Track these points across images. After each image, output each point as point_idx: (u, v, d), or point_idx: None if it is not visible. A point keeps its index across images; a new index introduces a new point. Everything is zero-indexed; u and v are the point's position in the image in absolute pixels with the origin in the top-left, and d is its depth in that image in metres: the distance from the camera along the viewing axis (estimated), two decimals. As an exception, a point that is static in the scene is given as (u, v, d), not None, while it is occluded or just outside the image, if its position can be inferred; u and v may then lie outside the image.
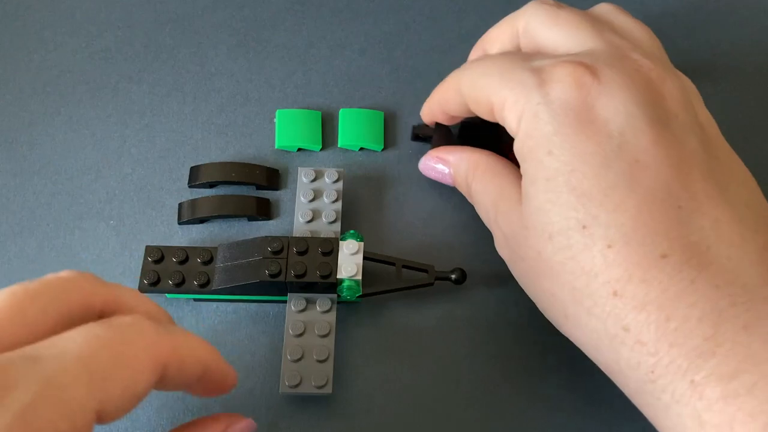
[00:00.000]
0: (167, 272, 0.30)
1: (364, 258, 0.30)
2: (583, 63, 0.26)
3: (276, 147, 0.36)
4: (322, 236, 0.31)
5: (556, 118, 0.25)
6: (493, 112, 0.28)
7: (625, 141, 0.24)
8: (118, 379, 0.19)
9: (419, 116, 0.35)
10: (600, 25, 0.29)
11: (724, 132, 0.28)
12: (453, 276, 0.31)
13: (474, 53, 0.35)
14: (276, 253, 0.30)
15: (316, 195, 0.33)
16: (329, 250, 0.30)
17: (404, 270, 0.31)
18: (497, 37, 0.33)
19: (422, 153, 0.35)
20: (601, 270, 0.23)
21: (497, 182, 0.29)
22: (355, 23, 0.41)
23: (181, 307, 0.32)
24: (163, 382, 0.21)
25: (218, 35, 0.40)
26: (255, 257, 0.30)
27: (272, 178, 0.35)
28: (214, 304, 0.32)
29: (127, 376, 0.19)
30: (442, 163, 0.33)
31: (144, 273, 0.31)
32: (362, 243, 0.30)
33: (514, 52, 0.31)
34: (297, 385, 0.29)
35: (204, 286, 0.30)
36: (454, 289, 0.32)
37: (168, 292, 0.31)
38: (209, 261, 0.31)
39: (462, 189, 0.32)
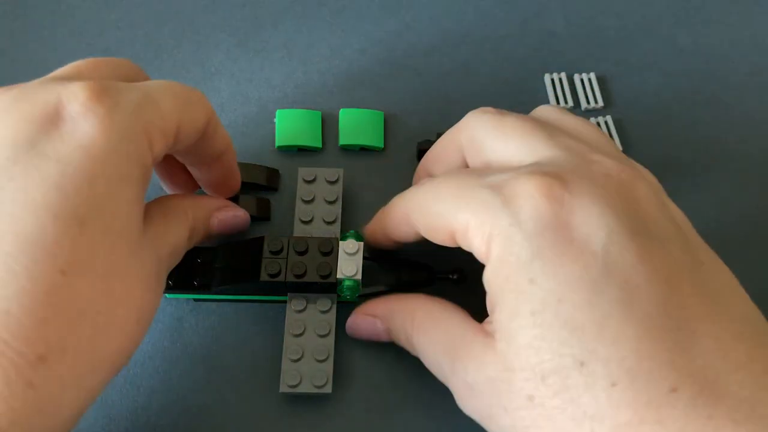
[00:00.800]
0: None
1: (364, 258, 0.30)
2: (548, 173, 0.23)
3: (276, 147, 0.36)
4: (321, 236, 0.31)
5: (533, 240, 0.22)
6: (454, 238, 0.25)
7: (610, 261, 0.22)
8: (191, 110, 0.26)
9: (420, 124, 0.35)
10: (549, 128, 0.26)
11: (723, 132, 0.28)
12: (453, 276, 0.31)
13: (417, 177, 0.32)
14: (275, 253, 0.30)
15: (316, 196, 0.33)
16: (329, 250, 0.30)
17: (404, 270, 0.31)
18: (440, 156, 0.30)
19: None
20: (607, 413, 0.21)
21: (444, 328, 0.26)
22: (355, 23, 0.41)
23: (181, 306, 0.32)
24: (203, 137, 0.27)
25: (218, 35, 0.40)
26: (254, 257, 0.30)
27: (272, 178, 0.35)
28: (214, 304, 0.32)
29: (194, 111, 0.26)
30: (371, 320, 0.30)
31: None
32: (362, 243, 0.30)
33: (464, 169, 0.29)
34: (297, 385, 0.29)
35: (204, 286, 0.30)
36: (454, 289, 0.32)
37: (168, 292, 0.31)
38: (209, 261, 0.31)
39: (403, 344, 0.28)
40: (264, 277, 0.29)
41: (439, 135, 0.31)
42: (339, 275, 0.29)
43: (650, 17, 0.42)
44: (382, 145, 0.36)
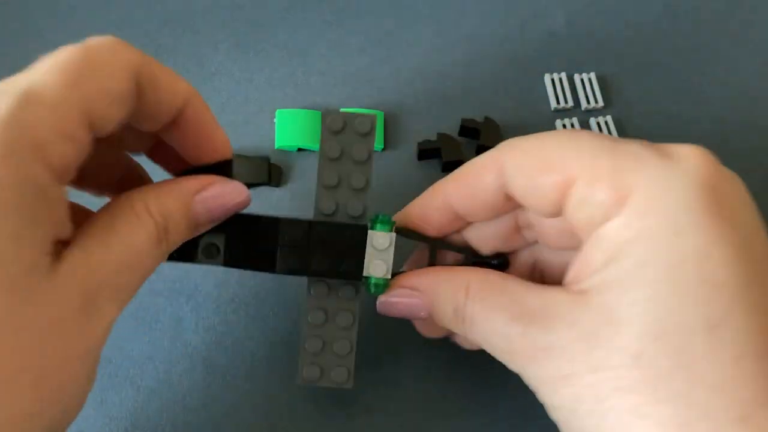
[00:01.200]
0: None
1: (397, 232, 0.26)
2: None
3: (276, 147, 0.36)
4: (348, 217, 0.26)
5: (688, 193, 0.21)
6: (566, 192, 0.23)
7: (750, 234, 0.21)
8: (97, 78, 0.20)
9: (420, 124, 0.35)
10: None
11: (724, 132, 0.28)
12: (494, 260, 0.27)
13: (424, 210, 0.27)
14: (293, 243, 0.26)
15: (344, 151, 0.26)
16: (355, 243, 0.26)
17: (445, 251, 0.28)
18: (470, 184, 0.26)
19: (430, 165, 0.34)
20: (728, 386, 0.19)
21: (510, 294, 0.24)
22: (355, 23, 0.41)
23: (181, 307, 0.32)
24: (142, 100, 0.22)
25: (218, 35, 0.40)
26: (269, 244, 0.26)
27: (275, 174, 0.35)
28: (214, 304, 0.32)
29: (103, 76, 0.20)
30: (409, 295, 0.26)
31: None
32: (394, 234, 0.26)
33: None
34: (316, 379, 0.27)
35: (211, 256, 0.26)
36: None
37: (170, 259, 0.27)
38: (221, 229, 0.26)
39: (448, 320, 0.25)
40: (281, 270, 0.26)
41: (439, 135, 0.30)
42: (366, 272, 0.26)
43: (651, 17, 0.42)
44: (382, 145, 0.36)
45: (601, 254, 0.22)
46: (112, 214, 0.22)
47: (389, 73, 0.39)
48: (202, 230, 0.25)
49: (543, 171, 0.23)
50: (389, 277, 0.26)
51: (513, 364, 0.23)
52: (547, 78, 0.39)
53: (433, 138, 0.36)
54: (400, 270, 0.27)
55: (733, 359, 0.19)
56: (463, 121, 0.36)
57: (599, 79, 0.39)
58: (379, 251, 0.26)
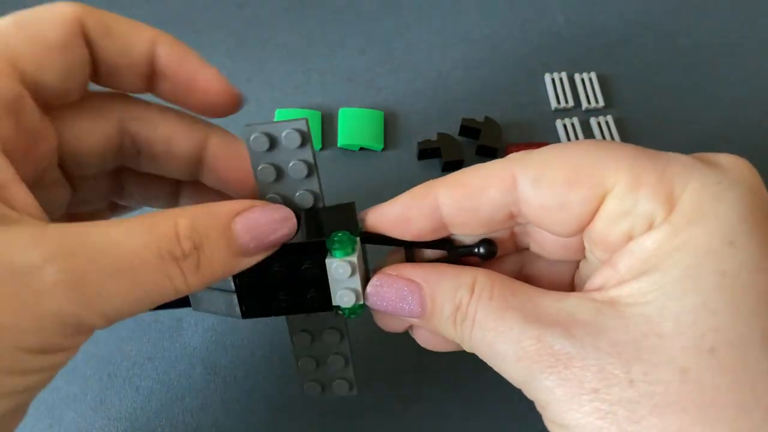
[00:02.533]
0: None
1: (364, 240, 0.23)
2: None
3: (276, 147, 0.36)
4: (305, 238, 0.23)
5: (743, 205, 0.20)
6: (599, 204, 0.21)
7: None
8: (21, 29, 0.20)
9: (420, 124, 0.35)
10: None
11: (725, 132, 0.28)
12: (480, 249, 0.24)
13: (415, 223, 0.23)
14: (247, 284, 0.23)
15: (280, 171, 0.23)
16: (316, 275, 0.23)
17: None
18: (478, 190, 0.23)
19: (430, 165, 0.34)
20: None
21: (522, 296, 0.21)
22: (355, 23, 0.41)
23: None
24: (97, 50, 0.22)
25: (218, 35, 0.40)
26: (227, 289, 0.23)
27: None
28: (214, 305, 0.32)
29: (30, 26, 0.20)
30: (406, 285, 0.22)
31: None
32: (357, 253, 0.23)
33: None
34: (319, 393, 0.26)
35: (174, 304, 0.23)
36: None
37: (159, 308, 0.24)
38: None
39: (443, 321, 0.22)
40: (246, 316, 0.24)
41: (439, 135, 0.30)
42: (335, 302, 0.23)
43: (651, 17, 0.42)
44: (381, 145, 0.36)
45: (637, 263, 0.20)
46: (128, 218, 0.20)
47: (389, 73, 0.39)
48: (249, 261, 0.21)
49: (572, 184, 0.21)
50: (362, 302, 0.23)
51: (519, 373, 0.20)
52: (547, 78, 0.39)
53: (433, 138, 0.36)
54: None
55: None
56: (464, 120, 0.36)
57: (600, 78, 0.39)
58: (342, 281, 0.23)
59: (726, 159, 0.21)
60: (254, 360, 0.31)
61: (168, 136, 0.24)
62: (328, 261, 0.22)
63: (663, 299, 0.19)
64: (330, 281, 0.23)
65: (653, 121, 0.38)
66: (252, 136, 0.23)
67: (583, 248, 0.24)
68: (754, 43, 0.41)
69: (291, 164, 0.23)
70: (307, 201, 0.23)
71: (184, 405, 0.30)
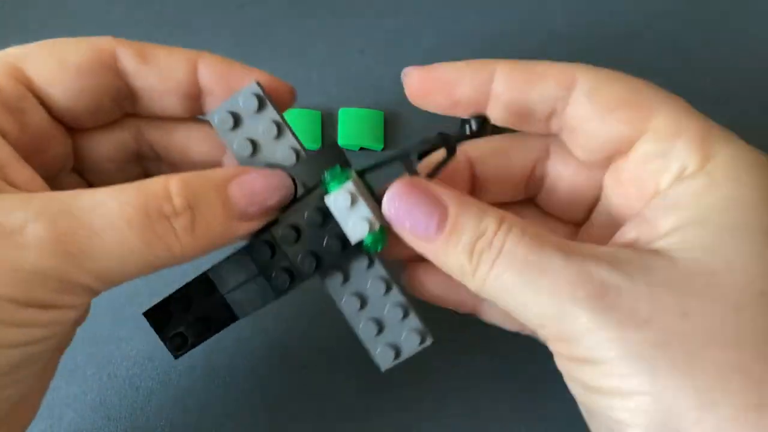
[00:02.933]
0: (181, 324, 0.24)
1: (365, 171, 0.23)
2: None
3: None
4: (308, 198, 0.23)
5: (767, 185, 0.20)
6: (641, 133, 0.21)
7: None
8: (40, 48, 0.22)
9: (420, 124, 0.35)
10: None
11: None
12: (471, 126, 0.23)
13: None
14: (266, 262, 0.23)
15: (255, 141, 0.23)
16: (322, 219, 0.22)
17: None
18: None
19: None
20: None
21: (553, 236, 0.20)
22: (355, 23, 0.41)
23: (181, 307, 0.32)
24: (132, 79, 0.23)
25: (218, 35, 0.40)
26: (251, 276, 0.23)
27: None
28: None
29: (53, 48, 0.21)
30: (433, 201, 0.21)
31: (166, 341, 0.24)
32: (351, 182, 0.22)
33: None
34: (394, 358, 0.24)
35: (222, 323, 0.24)
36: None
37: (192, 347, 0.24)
38: (211, 291, 0.23)
39: (458, 250, 0.21)
40: (282, 291, 0.23)
41: (440, 134, 0.29)
42: (353, 239, 0.22)
43: (651, 17, 0.42)
44: (382, 145, 0.36)
45: (674, 214, 0.20)
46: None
47: (389, 73, 0.39)
48: (248, 226, 0.21)
49: (623, 104, 0.21)
50: (377, 227, 0.22)
51: (549, 306, 0.19)
52: (547, 78, 0.39)
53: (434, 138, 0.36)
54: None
55: None
56: (464, 120, 0.36)
57: (600, 78, 0.39)
58: (348, 213, 0.22)
59: (755, 149, 0.21)
60: (254, 360, 0.31)
61: (185, 144, 0.24)
62: (326, 199, 0.22)
63: (710, 246, 0.19)
64: (338, 220, 0.22)
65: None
66: (216, 119, 0.23)
67: (591, 207, 0.24)
68: (755, 43, 0.41)
69: (260, 129, 0.23)
70: (290, 157, 0.23)
71: (184, 405, 0.30)
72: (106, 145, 0.24)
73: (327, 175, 0.22)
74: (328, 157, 0.23)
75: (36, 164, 0.21)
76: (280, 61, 0.39)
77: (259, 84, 0.23)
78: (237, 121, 0.23)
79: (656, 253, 0.20)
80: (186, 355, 0.31)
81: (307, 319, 0.31)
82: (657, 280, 0.19)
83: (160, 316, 0.23)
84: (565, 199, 0.25)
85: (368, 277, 0.24)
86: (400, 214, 0.21)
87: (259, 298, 0.23)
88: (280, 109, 0.23)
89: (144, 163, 0.26)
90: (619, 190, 0.22)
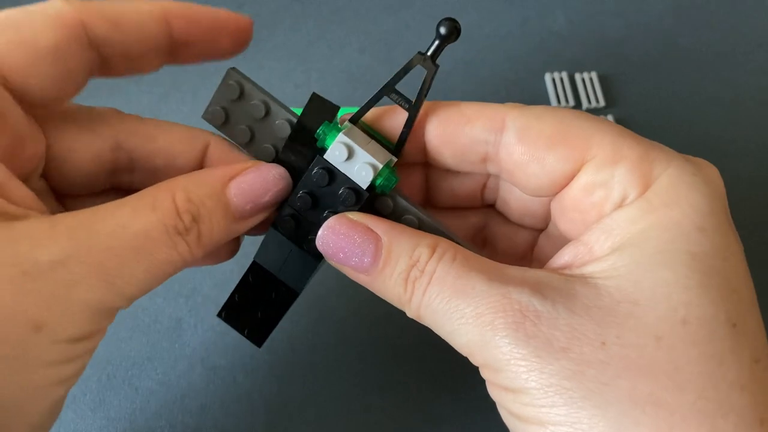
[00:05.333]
0: (253, 315, 0.24)
1: (357, 116, 0.23)
2: None
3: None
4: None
5: (713, 200, 0.20)
6: (577, 169, 0.21)
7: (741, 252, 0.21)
8: (3, 36, 0.19)
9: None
10: None
11: (726, 132, 0.27)
12: (440, 32, 0.22)
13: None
14: (295, 233, 0.23)
15: (250, 127, 0.24)
16: (329, 176, 0.22)
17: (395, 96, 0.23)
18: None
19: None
20: (749, 386, 0.18)
21: (483, 260, 0.20)
22: (355, 22, 0.41)
23: (180, 307, 0.32)
24: (105, 47, 0.21)
25: (217, 35, 0.40)
26: (288, 248, 0.23)
27: None
28: (213, 305, 0.32)
29: (17, 33, 0.19)
30: (364, 232, 0.21)
31: (245, 334, 0.24)
32: (341, 133, 0.22)
33: None
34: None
35: (287, 302, 0.24)
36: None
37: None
38: (266, 276, 0.24)
39: (392, 277, 0.21)
40: (304, 284, 0.23)
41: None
42: (363, 185, 0.22)
43: (652, 17, 0.42)
44: (382, 145, 0.36)
45: (611, 238, 0.20)
46: (126, 198, 0.20)
47: (389, 72, 0.39)
48: (248, 223, 0.22)
49: (556, 143, 0.21)
50: (381, 164, 0.22)
51: (475, 334, 0.19)
52: (548, 77, 0.39)
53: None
54: None
55: (751, 360, 0.18)
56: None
57: (600, 78, 0.39)
58: (350, 162, 0.22)
59: (702, 161, 0.21)
60: (254, 361, 0.31)
61: (168, 148, 0.24)
62: (326, 156, 0.22)
63: (637, 272, 0.19)
64: (343, 172, 0.22)
65: (654, 120, 0.38)
66: (209, 117, 0.24)
67: (546, 219, 0.24)
68: (754, 42, 0.41)
69: (250, 113, 0.24)
70: (284, 129, 0.23)
71: (183, 406, 0.30)
72: (80, 156, 0.23)
73: (320, 133, 0.22)
74: (317, 112, 0.23)
75: (11, 168, 0.20)
76: (279, 60, 0.39)
77: (234, 69, 0.23)
78: (227, 113, 0.24)
79: (583, 279, 0.19)
80: (186, 356, 0.31)
81: (307, 320, 0.31)
82: (579, 307, 0.19)
83: (232, 314, 0.24)
84: (517, 212, 0.25)
85: (395, 217, 0.23)
86: (334, 249, 0.21)
87: (304, 270, 0.23)
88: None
89: (116, 176, 0.24)
90: (564, 218, 0.22)
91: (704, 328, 0.18)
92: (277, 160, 0.23)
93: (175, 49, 0.23)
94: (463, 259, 0.20)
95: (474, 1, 0.42)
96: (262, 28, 0.40)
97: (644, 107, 0.39)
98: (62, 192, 0.23)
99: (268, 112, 0.23)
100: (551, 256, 0.22)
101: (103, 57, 0.21)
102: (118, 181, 0.24)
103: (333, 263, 0.22)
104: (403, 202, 0.23)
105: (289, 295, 0.24)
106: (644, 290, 0.19)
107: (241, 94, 0.23)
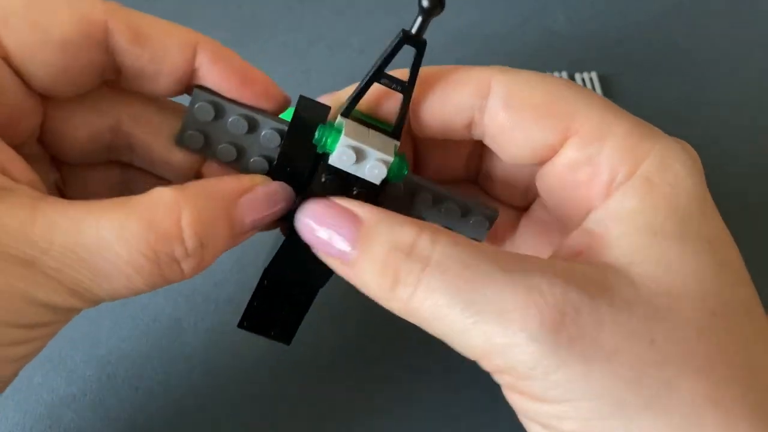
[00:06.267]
0: (276, 317, 0.24)
1: (349, 108, 0.21)
2: None
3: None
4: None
5: (701, 177, 0.19)
6: (563, 141, 0.20)
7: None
8: (22, 14, 0.18)
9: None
10: None
11: (726, 132, 0.27)
12: (422, 5, 0.21)
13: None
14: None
15: (234, 145, 0.22)
16: (339, 178, 0.21)
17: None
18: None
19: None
20: None
21: (485, 249, 0.18)
22: (355, 22, 0.41)
23: (180, 307, 0.32)
24: (121, 56, 0.20)
25: (216, 34, 0.40)
26: (304, 252, 0.21)
27: None
28: (213, 305, 0.32)
29: (36, 15, 0.18)
30: (347, 216, 0.19)
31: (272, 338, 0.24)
32: (342, 135, 0.20)
33: None
34: (479, 238, 0.23)
35: (309, 298, 0.23)
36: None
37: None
38: (283, 278, 0.23)
39: (376, 263, 0.18)
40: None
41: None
42: (376, 180, 0.21)
43: (652, 17, 0.42)
44: (382, 145, 0.36)
45: (620, 224, 0.18)
46: (124, 200, 0.18)
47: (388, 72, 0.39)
48: (242, 239, 0.21)
49: (542, 112, 0.20)
50: (392, 159, 0.20)
51: (499, 332, 0.17)
52: (547, 77, 0.39)
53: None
54: None
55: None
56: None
57: (601, 78, 0.39)
58: (359, 162, 0.20)
59: (680, 140, 0.21)
60: (253, 361, 0.31)
61: (168, 147, 0.22)
62: (331, 161, 0.21)
63: (664, 259, 0.17)
64: (353, 173, 0.21)
65: (654, 121, 0.38)
66: (186, 143, 0.22)
67: (528, 195, 0.23)
68: (754, 42, 0.41)
69: (232, 130, 0.22)
70: (275, 139, 0.22)
71: (183, 406, 0.30)
72: (77, 132, 0.22)
73: (317, 137, 0.21)
74: (308, 114, 0.22)
75: (6, 137, 0.19)
76: (279, 60, 0.39)
77: (201, 87, 0.21)
78: (205, 134, 0.22)
79: (611, 267, 0.18)
80: (185, 356, 0.31)
81: (308, 320, 0.31)
82: (619, 301, 0.17)
83: (255, 322, 0.23)
84: (499, 186, 0.24)
85: (413, 199, 0.23)
86: (310, 230, 0.20)
87: (324, 268, 0.21)
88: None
89: (115, 153, 0.23)
90: (551, 196, 0.21)
91: (730, 317, 0.17)
92: (273, 171, 0.22)
93: (194, 78, 0.21)
94: (467, 243, 0.18)
95: (474, 0, 0.42)
96: (262, 28, 0.40)
97: (644, 107, 0.39)
98: (59, 159, 0.23)
99: (252, 125, 0.22)
100: (536, 242, 0.21)
101: (117, 66, 0.21)
102: (117, 157, 0.23)
103: (315, 250, 0.20)
104: (431, 190, 0.22)
105: (312, 292, 0.23)
106: (676, 279, 0.17)
107: (217, 113, 0.22)
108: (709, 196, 0.19)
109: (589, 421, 0.16)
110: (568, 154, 0.20)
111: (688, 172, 0.19)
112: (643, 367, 0.16)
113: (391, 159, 0.20)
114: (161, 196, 0.18)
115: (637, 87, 0.39)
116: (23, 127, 0.20)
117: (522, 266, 0.17)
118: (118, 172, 0.24)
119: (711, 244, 0.18)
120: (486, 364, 0.18)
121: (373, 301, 0.21)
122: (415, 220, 0.19)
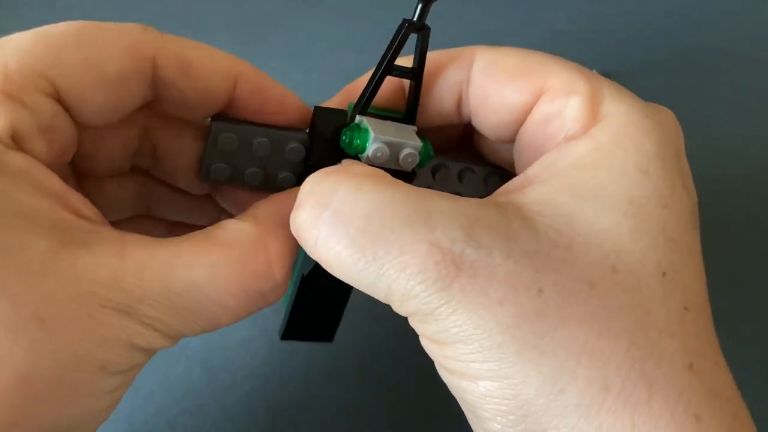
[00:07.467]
0: (315, 322, 0.24)
1: (365, 105, 0.22)
2: None
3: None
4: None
5: (663, 144, 0.20)
6: (538, 94, 0.21)
7: (694, 205, 0.20)
8: (75, 51, 0.19)
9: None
10: None
11: (726, 132, 0.27)
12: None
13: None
14: None
15: (261, 168, 0.22)
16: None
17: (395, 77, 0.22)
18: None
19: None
20: (678, 332, 0.18)
21: (416, 190, 0.19)
22: (355, 22, 0.41)
23: (180, 308, 0.32)
24: (172, 88, 0.20)
25: (217, 34, 0.40)
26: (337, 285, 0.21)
27: None
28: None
29: (90, 51, 0.19)
30: (291, 199, 0.20)
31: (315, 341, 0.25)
32: (371, 134, 0.21)
33: None
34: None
35: (344, 298, 0.24)
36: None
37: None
38: (318, 282, 0.23)
39: (306, 235, 0.18)
40: None
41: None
42: (412, 169, 0.22)
43: (653, 16, 0.42)
44: (382, 145, 0.36)
45: (548, 171, 0.19)
46: (208, 234, 0.19)
47: (389, 72, 0.39)
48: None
49: (516, 74, 0.21)
50: (420, 145, 0.21)
51: (401, 284, 0.17)
52: (548, 77, 0.39)
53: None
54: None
55: (681, 308, 0.18)
56: None
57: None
58: (392, 154, 0.21)
59: (659, 106, 0.21)
60: (254, 362, 0.31)
61: (194, 146, 0.22)
62: (365, 159, 0.21)
63: (572, 214, 0.18)
64: (389, 165, 0.21)
65: (654, 120, 0.38)
66: (212, 176, 0.22)
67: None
68: (756, 42, 0.41)
69: (256, 154, 0.22)
70: (299, 153, 0.22)
71: (182, 407, 0.30)
72: (112, 142, 0.22)
73: (346, 141, 0.21)
74: (327, 122, 0.22)
75: (58, 172, 0.19)
76: (278, 60, 0.39)
77: (217, 119, 0.21)
78: (231, 164, 0.22)
79: (520, 210, 0.18)
80: (185, 357, 0.31)
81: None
82: (517, 252, 0.17)
83: (298, 330, 0.24)
84: (490, 154, 0.25)
85: (449, 175, 0.23)
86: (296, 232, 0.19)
87: None
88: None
89: (137, 158, 0.24)
90: (522, 159, 0.22)
91: (632, 276, 0.18)
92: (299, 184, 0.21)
93: (228, 108, 0.22)
94: (373, 187, 0.18)
95: (475, 0, 0.42)
96: (262, 28, 0.40)
97: (645, 107, 0.39)
98: (81, 172, 0.23)
99: (275, 143, 0.22)
100: None
101: (159, 95, 0.21)
102: (138, 163, 0.23)
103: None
104: (451, 167, 0.23)
105: (348, 292, 0.23)
106: (579, 234, 0.18)
107: (240, 141, 0.21)
108: (668, 158, 0.20)
109: (472, 363, 0.17)
110: (539, 110, 0.21)
111: (641, 134, 0.19)
112: (524, 314, 0.17)
113: (420, 145, 0.21)
114: (242, 232, 0.19)
115: (637, 87, 0.39)
116: (66, 157, 0.20)
117: (427, 217, 0.18)
118: (137, 183, 0.24)
119: (639, 206, 0.19)
120: (396, 309, 0.19)
121: (376, 300, 0.21)
122: (342, 170, 0.19)
